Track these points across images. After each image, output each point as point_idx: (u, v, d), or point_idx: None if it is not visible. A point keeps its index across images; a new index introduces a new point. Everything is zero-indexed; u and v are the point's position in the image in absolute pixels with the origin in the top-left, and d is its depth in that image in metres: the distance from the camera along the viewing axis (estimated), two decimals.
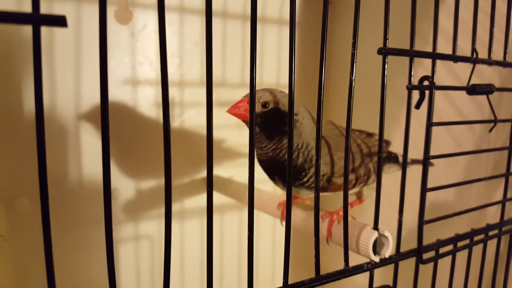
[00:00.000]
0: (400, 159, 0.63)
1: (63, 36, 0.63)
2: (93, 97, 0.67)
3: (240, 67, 0.82)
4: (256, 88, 0.35)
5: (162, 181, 0.79)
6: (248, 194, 0.34)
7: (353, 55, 0.37)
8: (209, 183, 0.32)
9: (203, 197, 0.79)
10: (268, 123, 0.46)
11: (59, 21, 0.24)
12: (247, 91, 0.88)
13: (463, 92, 0.48)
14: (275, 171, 0.49)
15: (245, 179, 0.77)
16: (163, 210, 0.80)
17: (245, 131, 0.82)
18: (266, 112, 0.46)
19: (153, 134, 0.74)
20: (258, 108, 0.46)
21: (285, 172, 0.46)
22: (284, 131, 0.47)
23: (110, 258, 0.29)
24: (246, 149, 0.83)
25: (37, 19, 0.23)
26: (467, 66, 0.47)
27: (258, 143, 0.48)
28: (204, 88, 0.30)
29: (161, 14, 0.28)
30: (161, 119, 0.80)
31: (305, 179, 0.48)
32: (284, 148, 0.47)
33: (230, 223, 0.85)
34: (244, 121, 0.47)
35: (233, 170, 0.82)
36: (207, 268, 0.33)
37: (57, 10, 0.62)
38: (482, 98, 0.53)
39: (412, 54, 0.41)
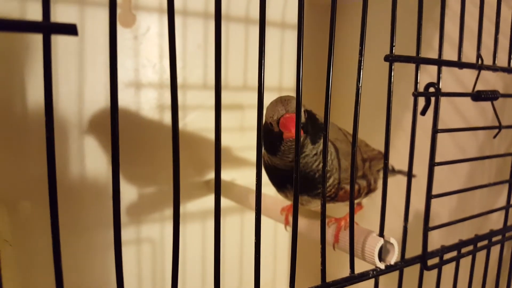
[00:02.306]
0: (391, 167, 0.63)
1: (66, 39, 0.62)
2: (96, 100, 0.66)
3: (242, 70, 0.82)
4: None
5: (164, 184, 0.79)
6: (255, 202, 0.33)
7: (360, 62, 0.37)
8: (217, 190, 0.32)
9: (205, 200, 0.80)
10: (313, 128, 0.45)
11: (70, 29, 0.23)
12: (250, 94, 0.88)
13: (467, 98, 0.48)
14: (289, 180, 0.47)
15: (247, 182, 0.77)
16: (165, 213, 0.80)
17: (247, 134, 0.83)
18: (307, 119, 0.45)
19: (155, 137, 0.74)
20: (303, 118, 0.44)
21: (306, 183, 0.46)
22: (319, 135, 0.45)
23: (119, 262, 0.29)
24: (248, 153, 0.83)
25: (48, 28, 0.23)
26: (471, 72, 0.47)
27: (285, 152, 0.45)
28: (207, 91, 0.30)
29: (171, 22, 0.28)
30: (163, 122, 0.79)
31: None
32: (318, 157, 0.45)
33: (232, 227, 0.85)
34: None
35: (235, 174, 0.82)
36: (215, 272, 0.33)
37: (60, 14, 0.62)
38: (486, 103, 0.53)
39: (418, 61, 0.41)
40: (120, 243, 0.29)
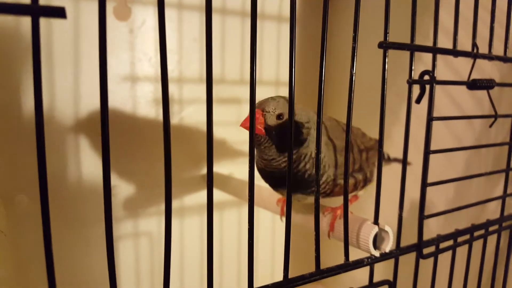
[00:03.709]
0: (386, 155, 0.63)
1: (61, 33, 0.62)
2: (92, 94, 0.66)
3: (239, 64, 0.81)
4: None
5: (161, 178, 0.78)
6: (248, 189, 0.33)
7: (353, 49, 0.37)
8: (209, 181, 0.32)
9: (202, 194, 0.80)
10: (283, 135, 0.44)
11: (58, 12, 0.23)
12: (247, 87, 0.88)
13: (463, 88, 0.47)
14: (282, 182, 0.47)
15: (244, 176, 0.77)
16: (162, 207, 0.80)
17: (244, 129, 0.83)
18: (281, 124, 0.44)
19: (152, 130, 0.74)
20: (273, 120, 0.43)
21: (297, 183, 0.45)
22: (300, 142, 0.45)
23: (111, 255, 0.29)
24: (245, 146, 0.83)
25: (36, 11, 0.23)
26: (467, 62, 0.47)
27: (264, 155, 0.45)
28: (203, 85, 0.30)
29: (161, 13, 0.28)
30: (160, 116, 0.79)
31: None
32: (300, 160, 0.45)
33: (230, 220, 0.85)
34: (259, 135, 0.44)
35: (233, 167, 0.82)
36: (208, 264, 0.33)
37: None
38: (482, 93, 0.53)
39: (412, 48, 0.40)
40: (111, 237, 0.29)
